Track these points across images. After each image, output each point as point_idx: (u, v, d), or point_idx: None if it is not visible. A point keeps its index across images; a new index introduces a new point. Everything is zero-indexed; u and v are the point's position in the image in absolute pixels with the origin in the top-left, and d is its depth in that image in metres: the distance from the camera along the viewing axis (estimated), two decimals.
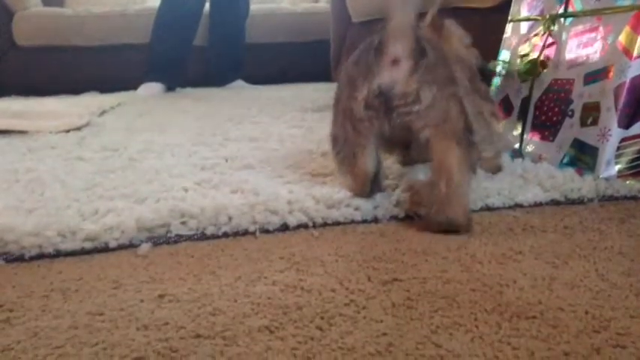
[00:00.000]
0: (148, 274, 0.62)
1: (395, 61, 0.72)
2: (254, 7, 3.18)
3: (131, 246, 0.70)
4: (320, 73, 3.06)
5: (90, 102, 2.20)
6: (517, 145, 1.01)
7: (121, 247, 0.70)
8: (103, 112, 1.96)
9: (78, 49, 3.10)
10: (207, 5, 2.88)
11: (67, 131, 1.52)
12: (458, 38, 0.90)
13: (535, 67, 1.00)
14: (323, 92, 2.54)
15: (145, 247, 0.69)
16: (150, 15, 2.89)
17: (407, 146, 0.84)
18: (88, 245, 0.69)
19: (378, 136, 0.76)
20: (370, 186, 0.79)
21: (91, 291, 0.58)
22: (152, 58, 2.81)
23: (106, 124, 1.65)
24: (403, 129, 0.74)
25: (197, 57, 2.92)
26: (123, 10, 3.16)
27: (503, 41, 1.11)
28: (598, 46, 0.89)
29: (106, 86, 2.96)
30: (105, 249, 0.69)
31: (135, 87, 2.79)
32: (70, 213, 0.76)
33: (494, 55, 1.12)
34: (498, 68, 1.10)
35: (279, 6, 3.46)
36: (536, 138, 0.98)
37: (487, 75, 1.04)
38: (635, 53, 0.83)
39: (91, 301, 0.55)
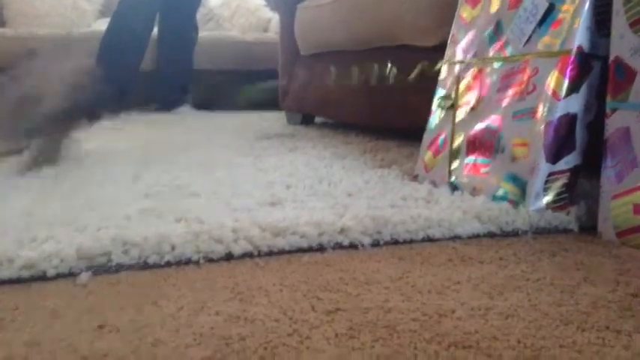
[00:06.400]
0: (88, 303, 0.61)
1: None
2: (203, 34, 3.19)
3: (70, 275, 0.68)
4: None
5: None
6: (453, 179, 1.05)
7: (59, 276, 0.68)
8: None
9: None
10: (155, 30, 2.87)
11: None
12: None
13: (451, 106, 1.08)
14: (271, 121, 2.56)
15: (84, 276, 0.68)
16: (95, 38, 2.84)
17: None
18: (25, 273, 0.67)
19: None
20: None
21: (28, 321, 0.56)
22: None
23: None
24: None
25: (143, 82, 2.88)
26: (67, 33, 3.10)
27: (439, 82, 1.16)
28: (526, 86, 0.94)
29: None
30: (43, 277, 0.67)
31: None
32: (6, 240, 0.73)
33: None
34: (434, 106, 1.15)
35: (228, 34, 3.48)
36: (471, 172, 1.02)
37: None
38: (561, 95, 0.88)
39: (27, 331, 0.54)
